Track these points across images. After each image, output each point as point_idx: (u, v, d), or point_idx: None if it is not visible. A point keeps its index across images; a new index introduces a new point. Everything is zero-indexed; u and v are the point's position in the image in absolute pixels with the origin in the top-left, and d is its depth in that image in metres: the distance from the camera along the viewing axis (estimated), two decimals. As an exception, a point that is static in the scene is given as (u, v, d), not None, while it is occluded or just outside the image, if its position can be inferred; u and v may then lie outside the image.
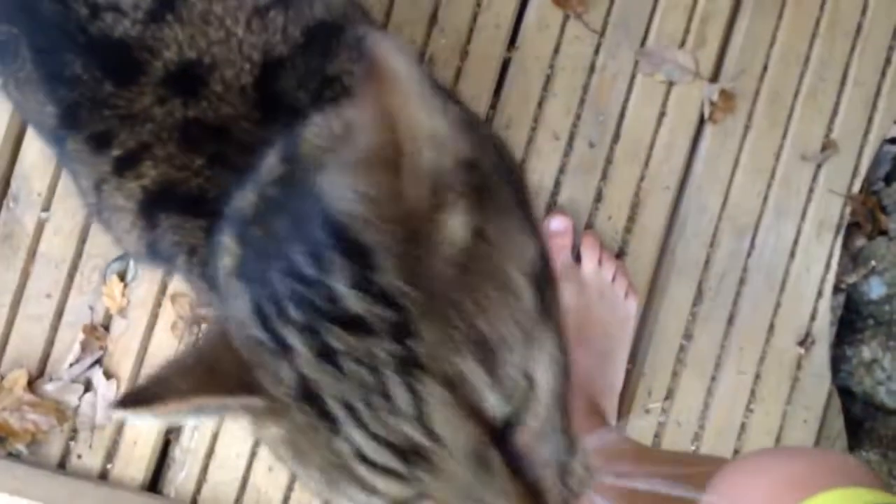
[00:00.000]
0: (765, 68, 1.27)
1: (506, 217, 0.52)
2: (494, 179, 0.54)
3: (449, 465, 0.47)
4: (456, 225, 0.48)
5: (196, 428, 1.18)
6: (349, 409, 0.47)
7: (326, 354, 0.47)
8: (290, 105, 0.69)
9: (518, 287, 0.50)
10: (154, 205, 0.71)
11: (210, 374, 0.49)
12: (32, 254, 1.16)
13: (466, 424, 0.47)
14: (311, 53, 0.72)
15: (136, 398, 0.48)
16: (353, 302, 0.46)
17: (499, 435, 0.48)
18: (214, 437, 1.18)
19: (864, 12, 1.28)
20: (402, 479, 0.48)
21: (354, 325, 0.46)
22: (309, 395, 0.48)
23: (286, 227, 0.51)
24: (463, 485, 0.48)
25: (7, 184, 1.16)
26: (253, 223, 0.56)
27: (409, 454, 0.47)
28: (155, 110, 0.69)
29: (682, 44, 1.25)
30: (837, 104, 1.28)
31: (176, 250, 0.72)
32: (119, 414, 0.48)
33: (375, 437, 0.47)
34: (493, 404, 0.47)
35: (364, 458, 0.47)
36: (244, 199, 0.60)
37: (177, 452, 1.18)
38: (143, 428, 1.17)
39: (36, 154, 1.15)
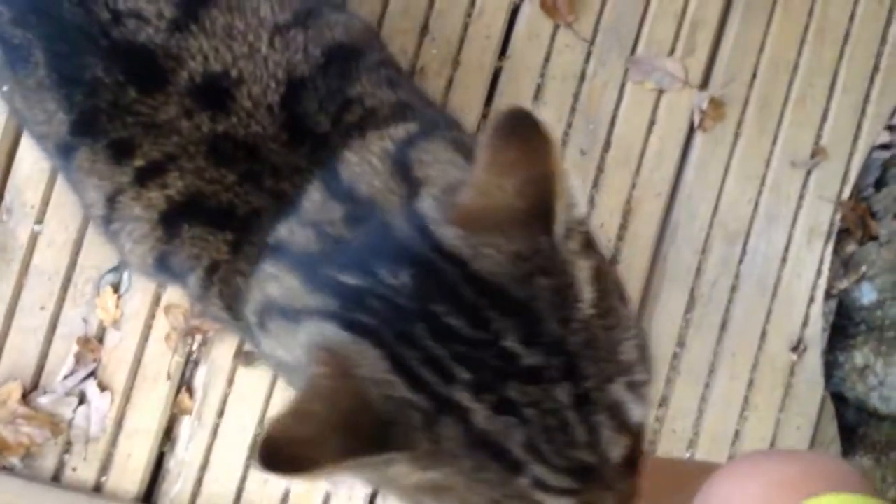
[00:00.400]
0: (754, 76, 1.28)
1: (603, 261, 0.57)
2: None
3: (611, 475, 0.53)
4: (585, 271, 0.53)
5: (190, 441, 1.18)
6: (533, 450, 0.51)
7: (506, 407, 0.50)
8: (312, 128, 0.70)
9: (625, 315, 0.56)
10: (178, 215, 0.71)
11: (356, 433, 0.50)
12: (26, 266, 1.16)
13: (625, 440, 0.53)
14: (331, 75, 0.73)
15: (284, 459, 0.48)
16: (528, 357, 0.50)
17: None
18: (209, 449, 1.18)
19: (851, 19, 1.30)
20: (576, 494, 0.53)
21: (531, 376, 0.50)
22: (484, 444, 0.51)
23: (409, 286, 0.53)
24: (616, 488, 0.54)
25: (0, 196, 1.16)
26: (324, 264, 0.59)
27: (581, 473, 0.52)
28: (182, 123, 0.70)
29: (672, 52, 1.26)
30: (826, 111, 1.29)
31: (192, 265, 0.73)
32: (269, 475, 0.49)
33: (556, 468, 0.51)
34: (638, 415, 0.53)
35: (544, 486, 0.52)
36: (293, 232, 0.64)
37: (171, 465, 1.18)
38: (139, 440, 1.17)
39: (29, 167, 1.15)
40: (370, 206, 0.61)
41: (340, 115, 0.71)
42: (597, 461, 0.52)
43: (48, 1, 0.71)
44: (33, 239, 1.16)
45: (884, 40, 1.31)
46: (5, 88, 0.78)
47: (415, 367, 0.51)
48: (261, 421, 1.19)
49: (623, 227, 1.25)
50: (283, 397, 1.19)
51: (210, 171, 0.70)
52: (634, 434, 0.54)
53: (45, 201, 1.16)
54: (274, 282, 0.64)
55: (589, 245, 0.56)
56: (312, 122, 0.70)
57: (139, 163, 0.71)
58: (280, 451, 0.48)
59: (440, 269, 0.52)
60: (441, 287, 0.52)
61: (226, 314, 0.74)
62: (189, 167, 0.70)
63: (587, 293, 0.53)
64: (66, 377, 1.16)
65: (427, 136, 0.69)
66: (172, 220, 0.72)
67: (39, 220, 1.16)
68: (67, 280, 1.17)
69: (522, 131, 0.51)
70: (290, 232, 0.64)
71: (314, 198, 0.64)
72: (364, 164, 0.64)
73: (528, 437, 0.51)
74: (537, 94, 1.24)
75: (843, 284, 1.32)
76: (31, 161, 1.15)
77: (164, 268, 0.75)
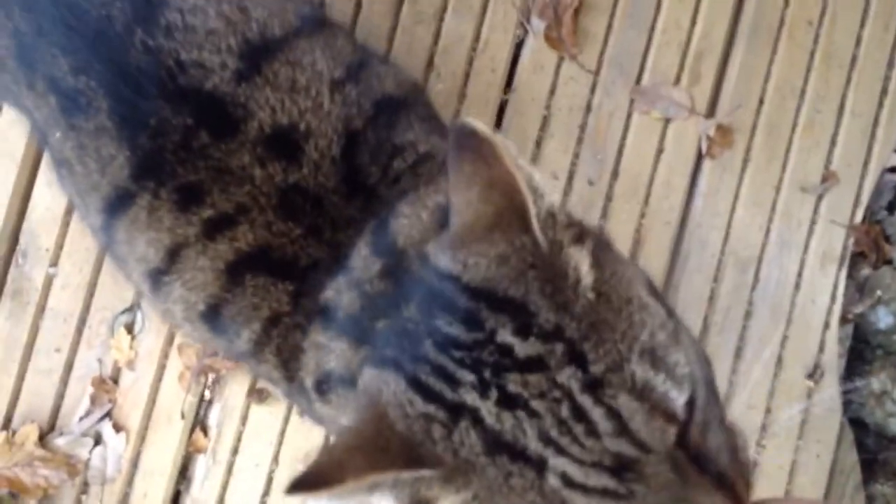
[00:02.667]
0: (761, 102, 1.28)
1: (605, 248, 0.58)
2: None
3: (655, 469, 0.50)
4: (578, 257, 0.53)
5: (206, 479, 1.18)
6: (550, 442, 0.50)
7: (512, 401, 0.50)
8: (365, 180, 0.73)
9: (647, 300, 0.55)
10: (243, 265, 0.73)
11: (380, 452, 0.51)
12: (41, 309, 1.18)
13: (665, 425, 0.50)
14: (380, 126, 0.76)
15: (311, 480, 0.50)
16: (523, 346, 0.50)
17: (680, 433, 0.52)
18: (224, 486, 1.18)
19: (857, 44, 1.29)
20: (616, 496, 0.50)
21: (530, 366, 0.50)
22: (501, 446, 0.50)
23: (416, 311, 0.55)
24: (669, 487, 0.50)
25: (15, 240, 1.18)
26: (364, 320, 0.61)
27: (619, 470, 0.50)
28: (255, 171, 0.72)
29: (677, 80, 1.26)
30: (835, 135, 1.29)
31: (249, 317, 0.73)
32: (296, 497, 0.50)
33: (582, 462, 0.49)
34: (677, 398, 0.51)
35: (577, 485, 0.50)
36: (341, 295, 0.65)
37: (187, 503, 1.19)
38: (155, 479, 1.17)
39: (43, 211, 1.17)
40: (402, 256, 0.63)
41: (390, 163, 0.74)
42: (634, 451, 0.50)
43: (115, 49, 0.74)
44: (48, 282, 1.17)
45: (891, 64, 1.30)
46: (58, 135, 0.78)
47: (426, 380, 0.52)
48: (275, 457, 1.19)
49: (633, 256, 1.24)
50: (298, 433, 1.19)
51: (278, 224, 0.72)
52: (680, 424, 0.51)
53: (60, 244, 1.18)
54: (328, 353, 0.66)
55: (581, 231, 0.56)
56: (365, 174, 0.73)
57: (208, 213, 0.72)
58: (312, 474, 0.50)
59: (438, 289, 0.54)
60: (440, 305, 0.54)
61: (278, 373, 0.75)
62: (260, 220, 0.72)
63: (586, 278, 0.53)
64: (82, 418, 1.17)
65: None
66: (237, 269, 0.73)
67: (54, 263, 1.18)
68: (82, 322, 1.18)
69: (468, 143, 0.53)
70: (337, 293, 0.66)
71: (362, 253, 0.66)
72: (413, 217, 0.66)
73: (540, 429, 0.50)
74: (543, 126, 1.24)
75: (859, 309, 1.31)
76: (45, 205, 1.17)
77: (213, 318, 0.76)
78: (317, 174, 0.72)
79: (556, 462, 0.50)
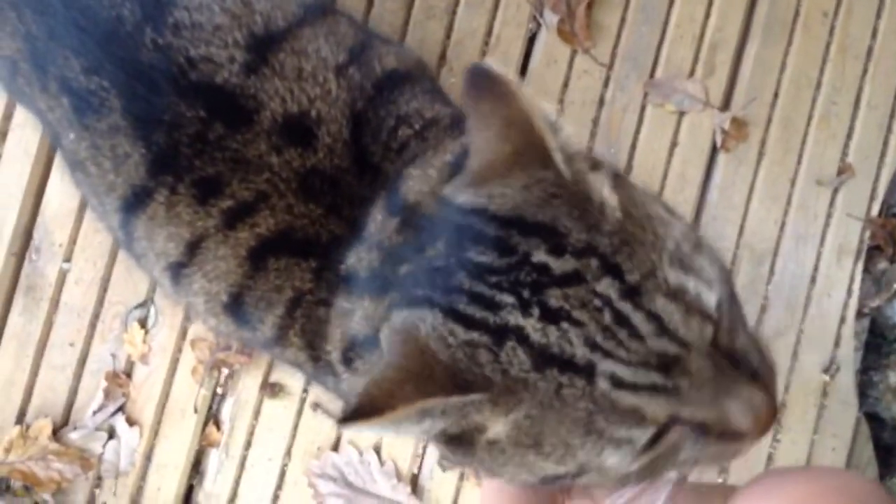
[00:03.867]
0: (776, 95, 1.27)
1: (619, 175, 0.59)
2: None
3: (697, 364, 0.52)
4: (599, 182, 0.55)
5: (219, 473, 1.18)
6: (596, 348, 0.51)
7: (555, 315, 0.51)
8: (373, 159, 0.75)
9: (665, 216, 0.57)
10: (266, 249, 0.74)
11: (428, 381, 0.52)
12: (55, 304, 1.18)
13: (701, 323, 0.53)
14: (384, 102, 0.78)
15: (364, 410, 0.51)
16: (559, 263, 0.52)
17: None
18: (237, 481, 1.18)
19: (874, 35, 1.28)
20: (664, 391, 0.52)
21: (568, 280, 0.52)
22: (549, 359, 0.51)
23: (444, 248, 0.57)
24: (711, 382, 0.53)
25: (29, 236, 1.18)
26: (386, 272, 0.62)
27: (664, 366, 0.52)
28: (272, 159, 0.73)
29: (692, 73, 1.25)
30: (851, 128, 1.28)
31: (272, 300, 0.74)
32: (349, 428, 0.52)
33: (629, 363, 0.51)
34: (709, 298, 0.53)
35: (626, 385, 0.51)
36: (360, 260, 0.67)
37: (200, 497, 1.19)
38: (168, 473, 1.17)
39: (57, 207, 1.17)
40: (417, 208, 0.64)
41: (395, 133, 0.76)
42: (677, 348, 0.52)
43: (126, 48, 0.75)
44: (62, 277, 1.18)
45: (908, 55, 1.29)
46: (72, 136, 0.79)
47: (464, 309, 0.53)
48: (287, 451, 1.19)
49: (647, 250, 1.24)
50: (310, 428, 1.19)
51: (299, 206, 0.73)
52: (714, 321, 0.53)
53: (73, 240, 1.18)
54: (351, 316, 0.67)
55: (595, 161, 0.58)
56: (373, 151, 0.75)
57: (227, 203, 0.74)
58: (362, 406, 0.51)
59: (464, 224, 0.56)
60: (470, 237, 0.55)
61: (304, 354, 0.76)
62: (280, 205, 0.73)
63: (611, 200, 0.55)
64: (95, 412, 1.17)
65: None
66: (260, 254, 0.74)
67: (67, 259, 1.18)
68: (96, 316, 1.18)
69: (484, 84, 0.55)
70: (357, 259, 0.68)
71: (378, 218, 0.68)
72: (422, 176, 0.67)
73: (586, 336, 0.51)
74: (556, 120, 1.23)
75: (876, 303, 1.30)
76: (59, 201, 1.17)
77: (236, 308, 0.77)
78: (332, 157, 0.74)
79: (605, 366, 0.51)
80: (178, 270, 0.77)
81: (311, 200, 0.73)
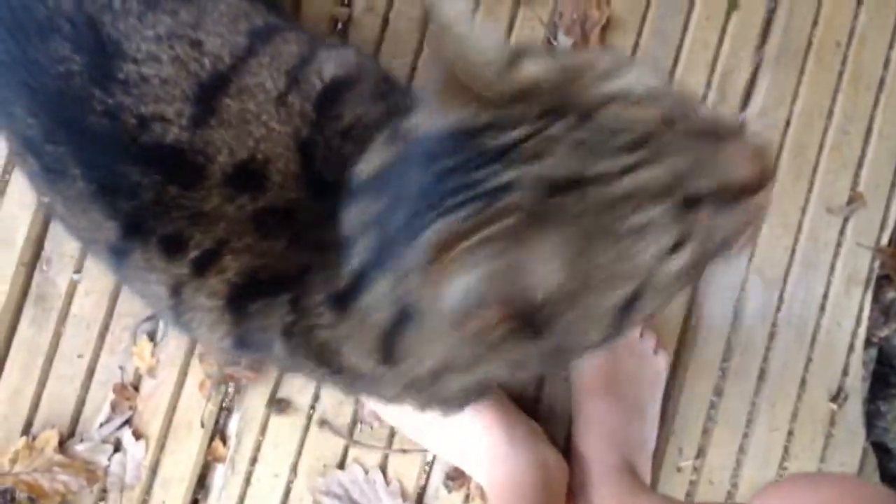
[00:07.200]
0: (788, 123, 1.27)
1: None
2: None
3: (669, 140, 0.57)
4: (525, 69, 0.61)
5: (224, 488, 1.18)
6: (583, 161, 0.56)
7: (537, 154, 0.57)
8: (329, 176, 0.74)
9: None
10: (241, 296, 0.74)
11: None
12: (64, 315, 1.18)
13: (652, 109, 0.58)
14: (326, 121, 0.76)
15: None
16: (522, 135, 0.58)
17: None
18: (242, 497, 1.18)
19: (886, 66, 1.29)
20: (651, 166, 0.56)
21: (529, 137, 0.57)
22: (555, 188, 0.56)
23: (423, 174, 0.60)
24: (692, 151, 0.57)
25: (41, 246, 1.18)
26: (387, 239, 0.64)
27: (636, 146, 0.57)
28: (226, 208, 0.73)
29: (704, 99, 1.26)
30: (863, 157, 1.28)
31: (268, 336, 0.75)
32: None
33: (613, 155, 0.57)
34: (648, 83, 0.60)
35: (624, 177, 0.56)
36: (359, 253, 0.66)
37: (204, 513, 1.18)
38: (173, 487, 1.17)
39: (70, 217, 1.17)
40: (382, 174, 0.66)
41: (343, 149, 0.75)
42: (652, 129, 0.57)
43: (74, 115, 0.73)
44: (72, 288, 1.18)
45: (920, 87, 1.30)
46: (46, 199, 0.79)
47: (468, 200, 0.57)
48: (293, 468, 1.19)
49: (657, 274, 1.24)
50: (317, 445, 1.19)
51: (260, 245, 0.72)
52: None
53: (84, 251, 1.18)
54: (376, 309, 0.66)
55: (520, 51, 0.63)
56: (324, 172, 0.74)
57: (194, 254, 0.73)
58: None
59: (439, 139, 0.60)
60: (448, 150, 0.59)
61: (324, 369, 0.76)
62: (240, 246, 0.73)
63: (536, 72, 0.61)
64: (102, 424, 1.17)
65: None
66: (237, 302, 0.74)
67: (78, 270, 1.18)
68: (105, 328, 1.18)
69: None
70: (350, 263, 0.67)
71: (351, 214, 0.68)
72: (373, 152, 0.68)
73: (569, 160, 0.56)
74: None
75: (884, 332, 1.30)
76: (72, 211, 1.17)
77: (243, 347, 0.78)
78: (283, 192, 0.73)
79: (595, 168, 0.56)
80: (178, 318, 0.78)
81: (270, 238, 0.73)
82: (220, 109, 0.74)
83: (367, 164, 0.67)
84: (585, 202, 0.56)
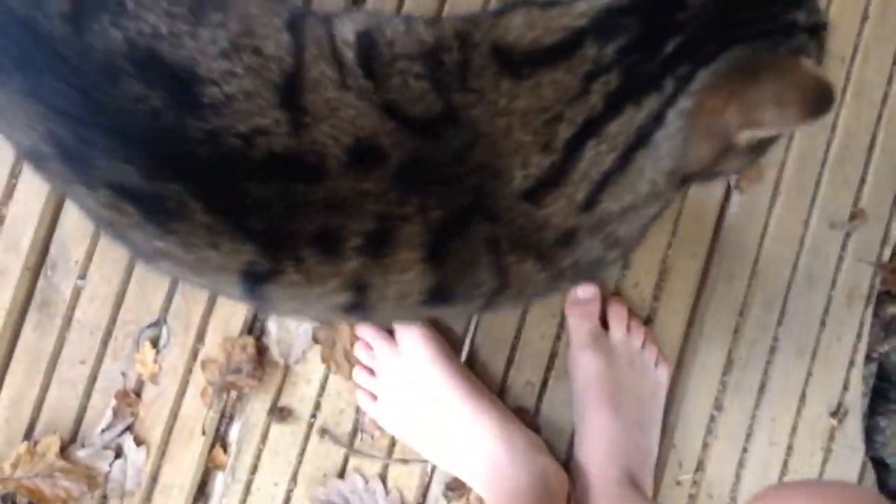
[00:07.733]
0: (791, 136, 1.28)
1: None
2: None
3: None
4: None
5: (224, 496, 1.18)
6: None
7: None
8: (423, 115, 0.74)
9: None
10: (439, 246, 0.74)
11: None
12: (68, 321, 1.18)
13: None
14: (381, 72, 0.76)
15: None
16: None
17: None
18: (242, 504, 1.18)
19: (889, 82, 1.29)
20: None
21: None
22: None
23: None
24: None
25: (46, 251, 1.18)
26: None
27: None
28: (365, 186, 0.72)
29: (708, 114, 1.26)
30: (865, 172, 1.28)
31: (473, 267, 0.76)
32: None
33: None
34: None
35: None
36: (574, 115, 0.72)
37: (204, 520, 1.19)
38: (173, 494, 1.17)
39: (74, 222, 1.18)
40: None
41: (405, 86, 0.74)
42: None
43: (176, 149, 0.70)
44: (76, 293, 1.18)
45: (923, 102, 1.30)
46: (153, 240, 0.74)
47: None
48: (293, 477, 1.19)
49: (659, 286, 1.24)
50: (318, 453, 1.19)
51: (422, 201, 0.73)
52: None
53: (89, 256, 1.18)
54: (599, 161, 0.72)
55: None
56: (419, 112, 0.74)
57: (356, 242, 0.73)
58: None
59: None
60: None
61: (542, 273, 0.79)
62: (406, 212, 0.73)
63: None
64: (103, 430, 1.17)
65: None
66: (435, 256, 0.74)
67: (83, 275, 1.18)
68: (108, 334, 1.19)
69: None
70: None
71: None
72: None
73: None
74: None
75: (884, 348, 1.30)
76: (77, 216, 1.18)
77: (442, 298, 0.78)
78: (401, 150, 0.73)
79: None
80: (355, 309, 0.77)
81: (424, 189, 0.73)
82: (308, 107, 0.72)
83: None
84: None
